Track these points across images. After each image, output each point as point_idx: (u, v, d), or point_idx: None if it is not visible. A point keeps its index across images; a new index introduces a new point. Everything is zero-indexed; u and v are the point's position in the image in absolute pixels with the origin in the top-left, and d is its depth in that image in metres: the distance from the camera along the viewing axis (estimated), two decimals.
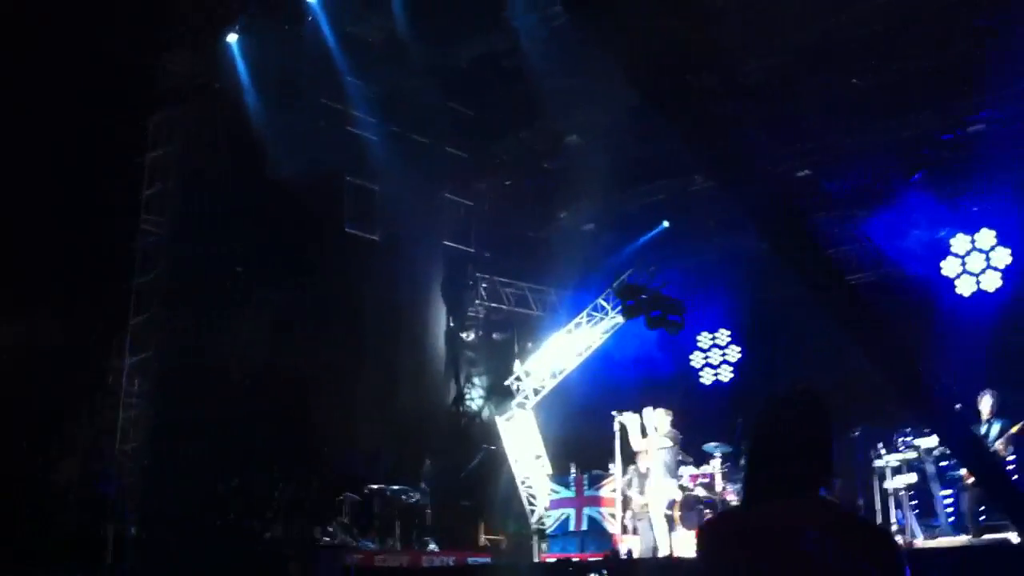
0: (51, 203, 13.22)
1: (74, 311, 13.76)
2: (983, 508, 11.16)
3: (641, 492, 13.42)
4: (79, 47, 13.04)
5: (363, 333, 17.30)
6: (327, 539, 14.40)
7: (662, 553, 12.60)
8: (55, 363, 13.42)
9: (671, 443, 13.11)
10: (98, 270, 14.24)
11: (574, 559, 13.64)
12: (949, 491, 12.13)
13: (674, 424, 13.47)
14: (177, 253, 14.81)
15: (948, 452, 11.69)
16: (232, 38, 15.06)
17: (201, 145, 14.99)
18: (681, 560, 12.03)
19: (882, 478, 12.50)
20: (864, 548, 2.43)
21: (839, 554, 2.41)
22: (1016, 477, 11.49)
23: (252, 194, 15.38)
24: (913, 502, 12.37)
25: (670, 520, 13.05)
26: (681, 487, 14.11)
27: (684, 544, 12.93)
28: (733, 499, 14.02)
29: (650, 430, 13.17)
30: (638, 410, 13.76)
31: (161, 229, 14.75)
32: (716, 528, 2.85)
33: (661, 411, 13.44)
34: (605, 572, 9.50)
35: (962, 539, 11.22)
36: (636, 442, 13.30)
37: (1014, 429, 11.06)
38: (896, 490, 12.42)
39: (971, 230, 15.39)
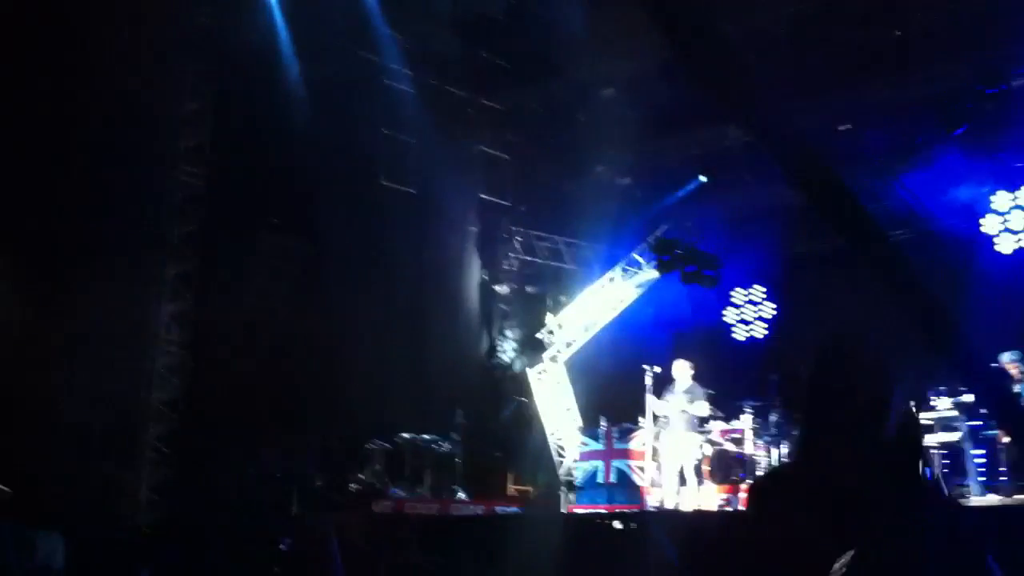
0: (87, 151, 13.33)
1: (112, 265, 13.91)
2: (1016, 469, 11.05)
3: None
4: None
5: (397, 285, 17.38)
6: (355, 486, 14.61)
7: (678, 506, 12.60)
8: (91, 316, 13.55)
9: (690, 396, 13.03)
10: (137, 219, 14.35)
11: (602, 511, 13.74)
12: (981, 451, 12.00)
13: (696, 377, 13.45)
14: (213, 205, 14.92)
15: (982, 411, 11.58)
16: None
17: (236, 98, 15.02)
18: (704, 513, 12.08)
19: None
20: (923, 506, 2.36)
21: (898, 513, 2.33)
22: None
23: (286, 147, 15.44)
24: (944, 461, 12.28)
25: (698, 474, 13.06)
26: (711, 442, 14.13)
27: (708, 498, 12.99)
28: (763, 454, 14.02)
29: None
30: (668, 364, 13.77)
31: (198, 181, 14.84)
32: (770, 486, 2.71)
33: (682, 363, 13.41)
34: (633, 525, 9.32)
35: (993, 499, 11.13)
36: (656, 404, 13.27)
37: None
38: (928, 448, 12.33)
39: (1013, 187, 15.08)
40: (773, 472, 3.55)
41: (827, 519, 2.35)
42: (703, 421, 13.57)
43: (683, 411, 13.04)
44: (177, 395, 14.36)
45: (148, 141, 14.34)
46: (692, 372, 13.26)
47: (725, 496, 13.17)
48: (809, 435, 2.54)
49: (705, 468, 13.48)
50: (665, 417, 13.39)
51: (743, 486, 13.09)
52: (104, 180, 13.54)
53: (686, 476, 12.87)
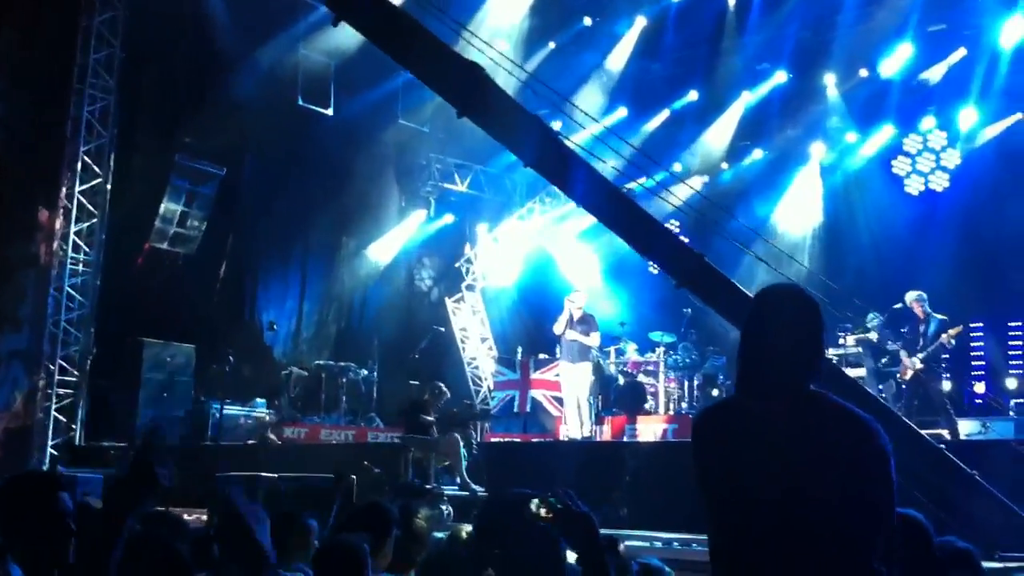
0: None
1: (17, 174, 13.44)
2: (916, 404, 11.50)
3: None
4: None
5: (312, 209, 17.16)
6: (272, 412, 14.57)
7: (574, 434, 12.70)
8: None
9: (585, 327, 12.95)
10: (42, 135, 13.83)
11: (517, 440, 13.95)
12: (882, 386, 12.45)
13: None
14: (123, 122, 14.43)
15: (888, 348, 12.00)
16: None
17: (150, 9, 14.46)
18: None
19: None
20: (856, 440, 2.48)
21: (830, 446, 2.47)
22: (947, 373, 11.98)
23: (202, 65, 15.00)
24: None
25: (591, 403, 13.07)
26: (623, 373, 14.38)
27: (606, 427, 13.18)
28: (675, 386, 14.36)
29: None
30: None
31: (107, 95, 14.28)
32: (708, 421, 2.81)
33: (578, 294, 13.37)
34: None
35: None
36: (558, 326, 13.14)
37: (955, 331, 11.32)
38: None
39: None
40: (714, 406, 3.71)
41: (762, 450, 2.51)
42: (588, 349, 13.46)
43: (576, 341, 12.91)
44: (87, 315, 13.96)
45: (55, 53, 13.78)
46: (584, 302, 13.16)
47: (633, 427, 13.34)
48: (745, 372, 2.68)
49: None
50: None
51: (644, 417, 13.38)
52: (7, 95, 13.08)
53: (581, 405, 12.88)
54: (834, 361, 12.78)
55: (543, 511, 2.71)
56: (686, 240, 17.37)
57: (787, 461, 2.48)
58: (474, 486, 10.20)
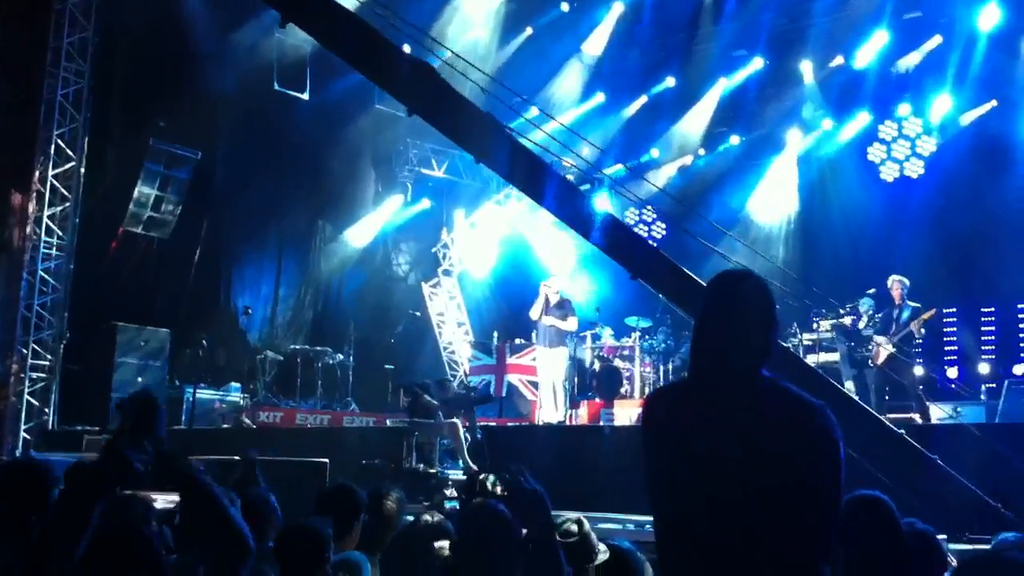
0: None
1: None
2: (888, 388, 11.59)
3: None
4: None
5: (289, 193, 17.08)
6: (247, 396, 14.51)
7: (549, 419, 12.74)
8: None
9: (562, 312, 12.95)
10: (15, 118, 13.69)
11: (492, 424, 13.94)
12: (854, 371, 12.50)
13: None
14: (97, 103, 14.28)
15: (864, 332, 12.06)
16: None
17: None
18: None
19: None
20: (805, 427, 2.49)
21: (779, 432, 2.48)
22: (920, 359, 12.05)
23: (176, 49, 14.86)
24: None
25: (567, 388, 13.11)
26: (599, 358, 14.41)
27: (582, 412, 13.20)
28: (650, 371, 14.40)
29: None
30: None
31: (81, 79, 14.13)
32: (659, 403, 2.86)
33: (555, 279, 13.42)
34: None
35: None
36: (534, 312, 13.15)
37: (927, 315, 11.40)
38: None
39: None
40: (665, 388, 3.73)
41: (710, 433, 2.53)
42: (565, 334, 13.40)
43: (553, 326, 12.92)
44: (60, 299, 13.84)
45: (27, 36, 13.63)
46: (560, 287, 13.18)
47: (609, 411, 13.39)
48: (699, 356, 2.70)
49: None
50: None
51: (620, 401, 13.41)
52: None
53: (556, 390, 12.93)
54: (808, 345, 12.91)
55: (497, 488, 2.72)
56: (663, 226, 17.87)
57: (735, 445, 2.48)
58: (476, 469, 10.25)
